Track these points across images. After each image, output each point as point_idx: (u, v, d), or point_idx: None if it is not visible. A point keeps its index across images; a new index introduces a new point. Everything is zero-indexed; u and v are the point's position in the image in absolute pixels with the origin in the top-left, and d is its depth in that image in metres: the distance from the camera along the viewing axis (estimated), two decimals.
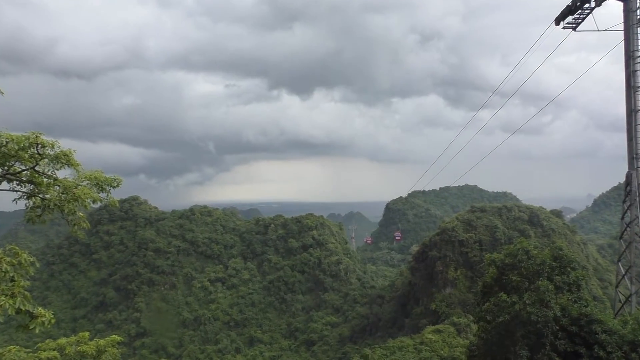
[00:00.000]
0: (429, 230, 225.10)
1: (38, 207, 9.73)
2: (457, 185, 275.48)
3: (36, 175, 9.69)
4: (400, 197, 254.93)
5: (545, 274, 21.14)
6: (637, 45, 26.04)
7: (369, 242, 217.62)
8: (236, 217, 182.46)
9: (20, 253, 9.32)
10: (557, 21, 28.88)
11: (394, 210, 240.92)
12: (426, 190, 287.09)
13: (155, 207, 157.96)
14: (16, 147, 9.17)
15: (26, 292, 9.02)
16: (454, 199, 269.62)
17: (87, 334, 16.49)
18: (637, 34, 25.96)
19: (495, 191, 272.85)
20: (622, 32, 26.21)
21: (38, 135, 9.46)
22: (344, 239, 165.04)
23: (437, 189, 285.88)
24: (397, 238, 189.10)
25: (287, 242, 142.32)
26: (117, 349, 16.28)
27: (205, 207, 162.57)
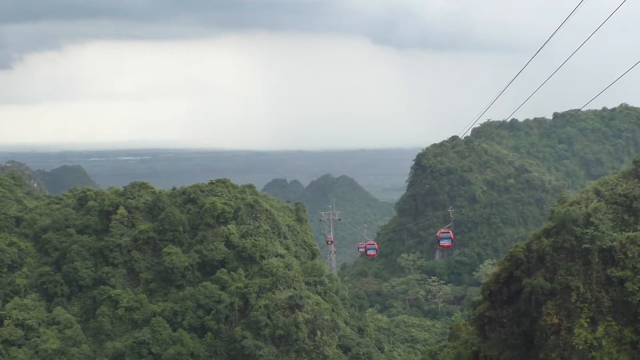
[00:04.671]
0: (527, 223, 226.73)
1: None
2: (596, 108, 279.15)
3: None
4: (453, 138, 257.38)
5: None
6: None
7: (370, 252, 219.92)
8: (25, 188, 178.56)
9: None
10: None
11: (437, 174, 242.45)
12: (519, 120, 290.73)
13: None
14: None
15: None
16: (591, 141, 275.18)
17: None
18: None
19: None
20: None
21: None
22: (306, 243, 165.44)
23: (547, 117, 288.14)
24: (442, 243, 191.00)
25: (161, 255, 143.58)
26: None
27: None
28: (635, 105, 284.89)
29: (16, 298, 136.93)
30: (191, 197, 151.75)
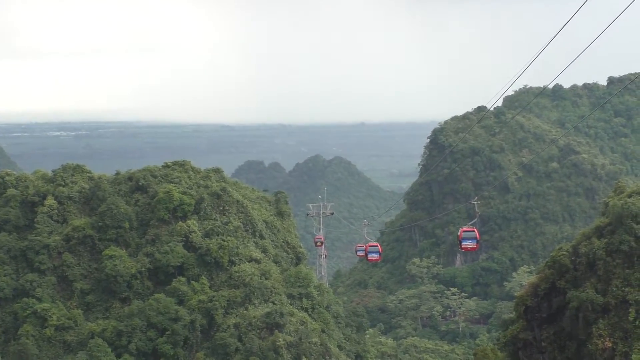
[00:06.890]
0: (574, 220, 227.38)
1: None
2: None
3: None
4: (479, 108, 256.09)
5: None
6: None
7: (372, 256, 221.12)
8: None
9: None
10: None
11: (459, 155, 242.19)
12: (564, 86, 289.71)
13: None
14: None
15: None
16: None
17: None
18: None
19: None
20: None
21: None
22: (289, 244, 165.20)
23: (600, 83, 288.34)
24: (464, 245, 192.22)
25: (101, 258, 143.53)
26: None
27: None
28: None
29: None
30: (140, 184, 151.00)
